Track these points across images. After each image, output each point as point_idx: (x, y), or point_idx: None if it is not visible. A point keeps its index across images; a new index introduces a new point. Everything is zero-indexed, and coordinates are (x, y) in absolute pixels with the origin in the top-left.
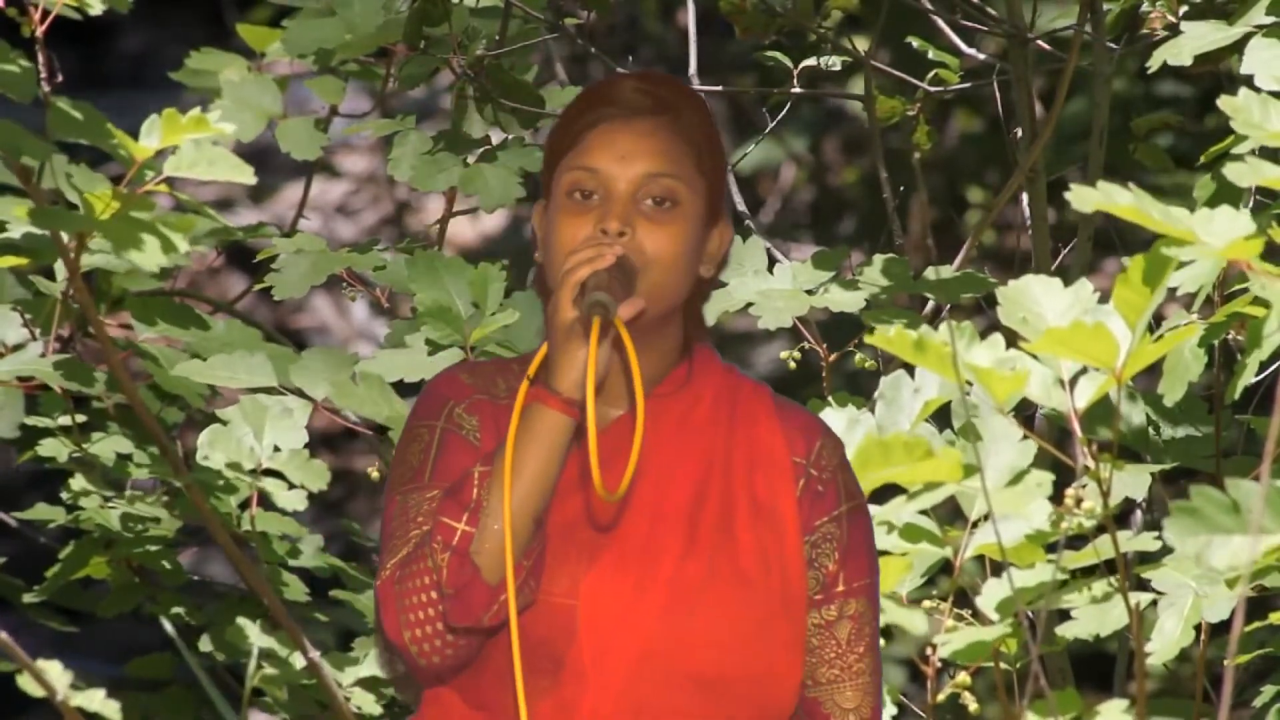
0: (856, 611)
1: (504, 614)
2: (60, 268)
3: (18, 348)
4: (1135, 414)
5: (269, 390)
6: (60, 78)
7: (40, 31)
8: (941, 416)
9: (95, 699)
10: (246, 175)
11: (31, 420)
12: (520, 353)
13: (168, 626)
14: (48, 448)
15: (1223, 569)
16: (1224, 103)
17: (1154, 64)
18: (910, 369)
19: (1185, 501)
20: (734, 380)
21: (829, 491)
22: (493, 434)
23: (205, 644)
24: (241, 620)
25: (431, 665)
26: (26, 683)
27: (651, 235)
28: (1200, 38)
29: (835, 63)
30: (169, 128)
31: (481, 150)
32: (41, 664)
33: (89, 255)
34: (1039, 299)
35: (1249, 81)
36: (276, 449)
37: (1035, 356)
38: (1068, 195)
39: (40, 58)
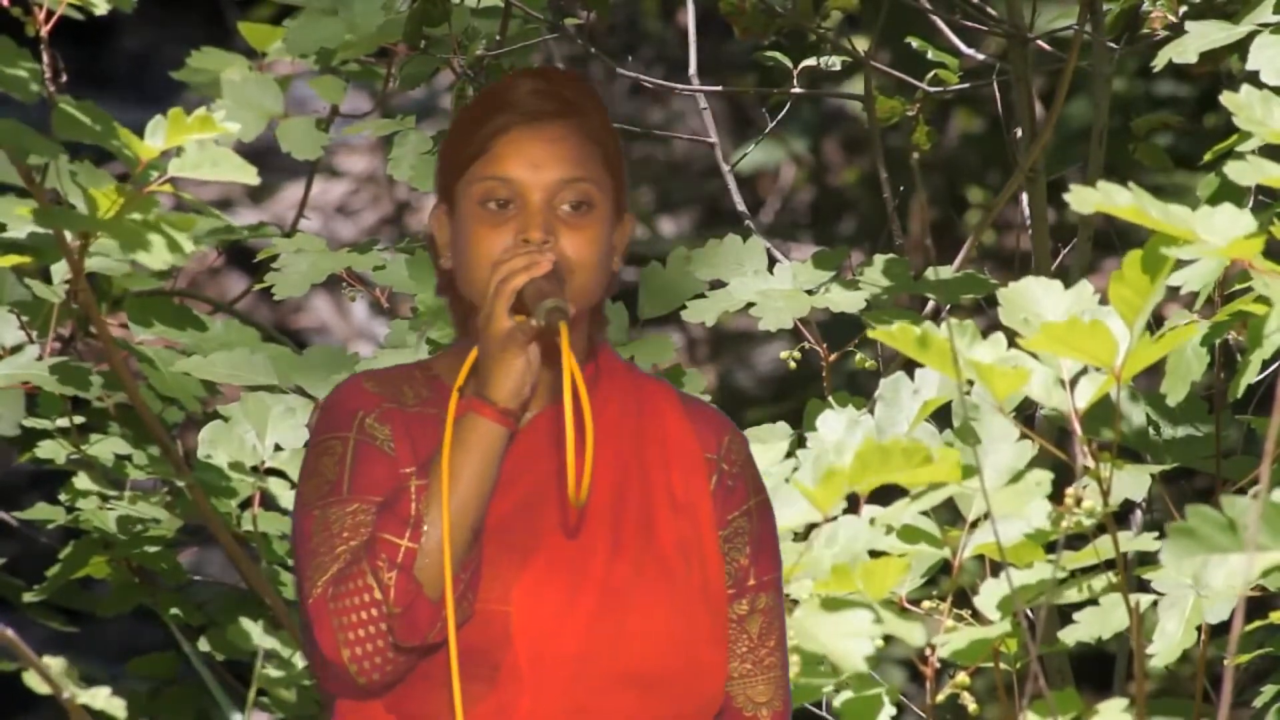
0: (767, 605)
1: (446, 629)
2: (57, 271)
3: (16, 349)
4: (1135, 414)
5: (270, 389)
6: (65, 77)
7: (45, 31)
8: (941, 416)
9: (100, 697)
10: (250, 176)
11: (30, 421)
12: None
13: (173, 627)
14: (46, 449)
15: (1221, 588)
16: (1226, 99)
17: (1159, 63)
18: (910, 370)
19: (1182, 522)
20: (638, 377)
21: (739, 486)
22: (406, 443)
23: (204, 644)
24: (245, 621)
25: (371, 682)
26: (32, 679)
27: (572, 241)
28: (1205, 36)
29: (835, 63)
30: (174, 128)
31: None
32: (47, 661)
33: (89, 256)
34: (1039, 300)
35: (1250, 80)
36: (278, 448)
37: (1036, 356)
38: (1067, 196)
39: (45, 57)
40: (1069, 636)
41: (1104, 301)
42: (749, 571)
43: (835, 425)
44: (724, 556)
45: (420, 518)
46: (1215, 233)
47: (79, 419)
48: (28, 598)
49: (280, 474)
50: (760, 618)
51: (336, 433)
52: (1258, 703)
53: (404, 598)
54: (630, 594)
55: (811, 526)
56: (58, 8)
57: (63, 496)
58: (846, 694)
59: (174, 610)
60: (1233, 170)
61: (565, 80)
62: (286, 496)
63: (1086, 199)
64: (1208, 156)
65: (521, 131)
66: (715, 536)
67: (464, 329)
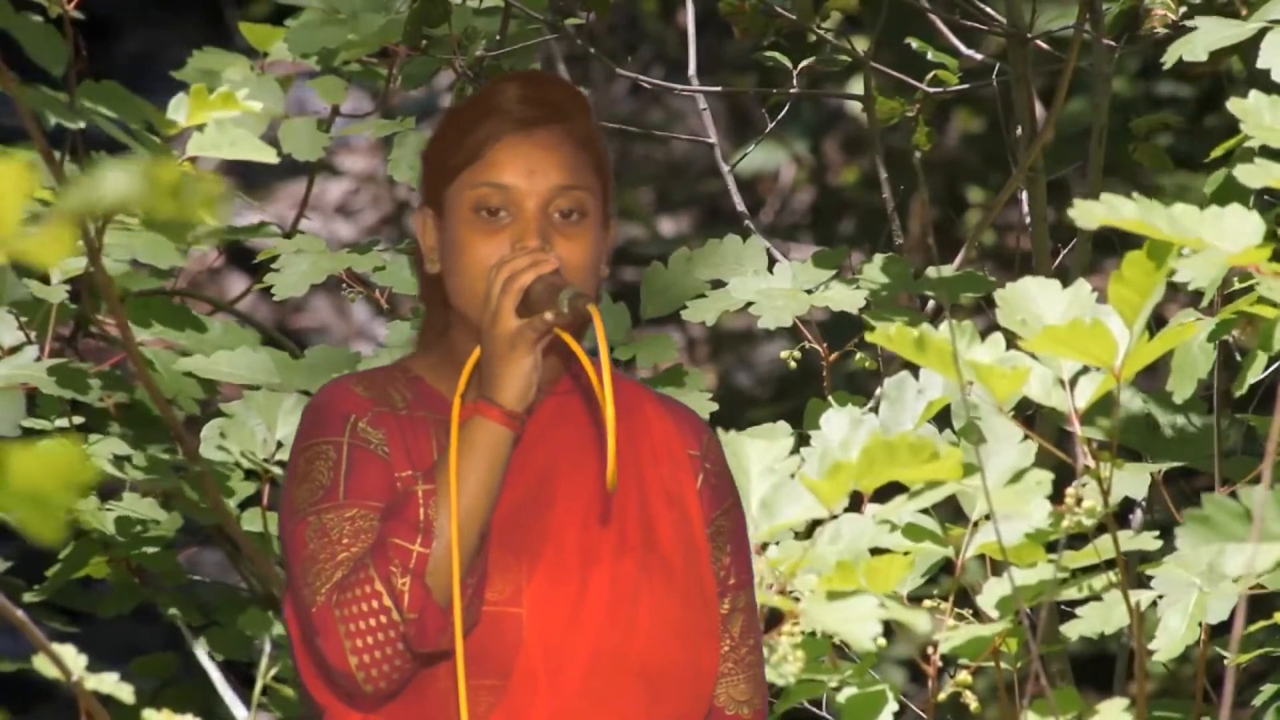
0: (746, 604)
1: (453, 633)
2: (57, 271)
3: (15, 350)
4: (1134, 409)
5: (271, 388)
6: (85, 53)
7: (70, 7)
8: (942, 417)
9: (108, 682)
10: (269, 155)
11: (29, 421)
12: None
13: (183, 626)
14: None
15: (1236, 576)
16: (1234, 105)
17: (1169, 60)
18: (913, 369)
19: (1197, 510)
20: (617, 377)
21: (720, 485)
22: (400, 447)
23: (203, 644)
24: (251, 618)
25: (378, 690)
26: (43, 664)
27: (565, 248)
28: (1214, 33)
29: (834, 64)
30: (197, 104)
31: None
32: (56, 648)
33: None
34: (1037, 300)
35: (1250, 81)
36: (280, 444)
37: (1035, 356)
38: (1071, 212)
39: (68, 33)
40: (1071, 631)
41: (1102, 300)
42: (730, 570)
43: (839, 424)
44: (710, 556)
45: (430, 523)
46: (1224, 236)
47: (78, 419)
48: (28, 598)
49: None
50: (741, 616)
51: (328, 437)
52: (1257, 702)
53: (417, 604)
54: (638, 591)
55: (814, 524)
56: None
57: None
58: (849, 691)
59: (173, 610)
60: (1241, 173)
61: (552, 84)
62: None
63: (1091, 214)
64: (1215, 153)
65: (515, 138)
66: (704, 534)
67: (443, 335)
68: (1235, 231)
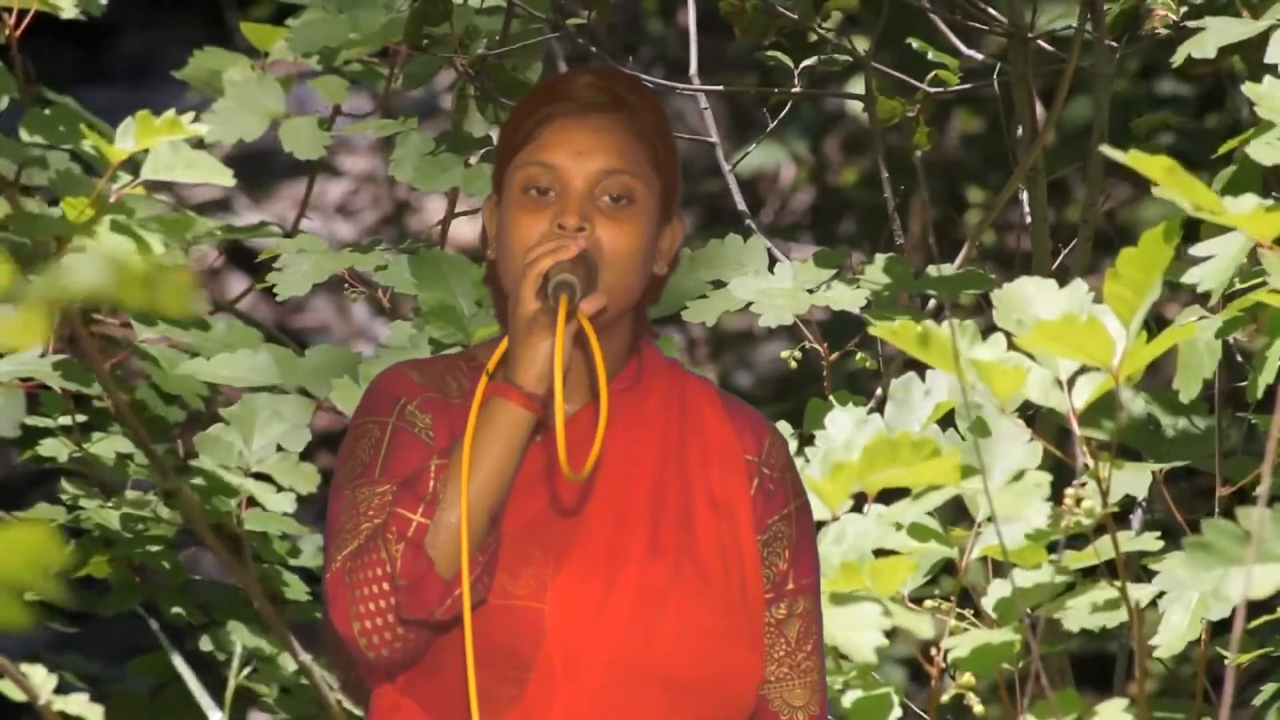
0: (805, 609)
1: (457, 609)
2: None
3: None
4: (1135, 409)
5: (272, 389)
6: (34, 82)
7: (16, 35)
8: (947, 420)
9: (78, 703)
10: (225, 177)
11: (32, 420)
12: None
13: (156, 628)
14: (48, 447)
15: (1239, 599)
16: (1249, 89)
17: (1177, 58)
18: (919, 371)
19: (1197, 536)
20: (680, 376)
21: (779, 490)
22: (446, 433)
23: (206, 644)
24: (234, 623)
25: (381, 658)
26: (8, 687)
27: (609, 232)
28: (1223, 31)
29: (835, 63)
30: (143, 130)
31: (483, 150)
32: (25, 668)
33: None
34: (1034, 300)
35: (1252, 80)
36: (280, 448)
37: (1034, 357)
38: (1103, 147)
39: (16, 61)
40: (1071, 622)
41: (1099, 300)
42: (788, 576)
43: (844, 424)
44: (762, 560)
45: (436, 495)
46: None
47: (81, 418)
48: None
49: (267, 478)
50: (798, 622)
51: (376, 417)
52: (1257, 702)
53: (410, 571)
54: (667, 595)
55: (818, 525)
56: (31, 9)
57: (64, 496)
58: (855, 693)
59: (175, 609)
60: (1255, 150)
61: (622, 78)
62: (273, 501)
63: (1119, 155)
64: (1222, 150)
65: (569, 120)
66: (753, 539)
67: (504, 319)
68: (1250, 209)
